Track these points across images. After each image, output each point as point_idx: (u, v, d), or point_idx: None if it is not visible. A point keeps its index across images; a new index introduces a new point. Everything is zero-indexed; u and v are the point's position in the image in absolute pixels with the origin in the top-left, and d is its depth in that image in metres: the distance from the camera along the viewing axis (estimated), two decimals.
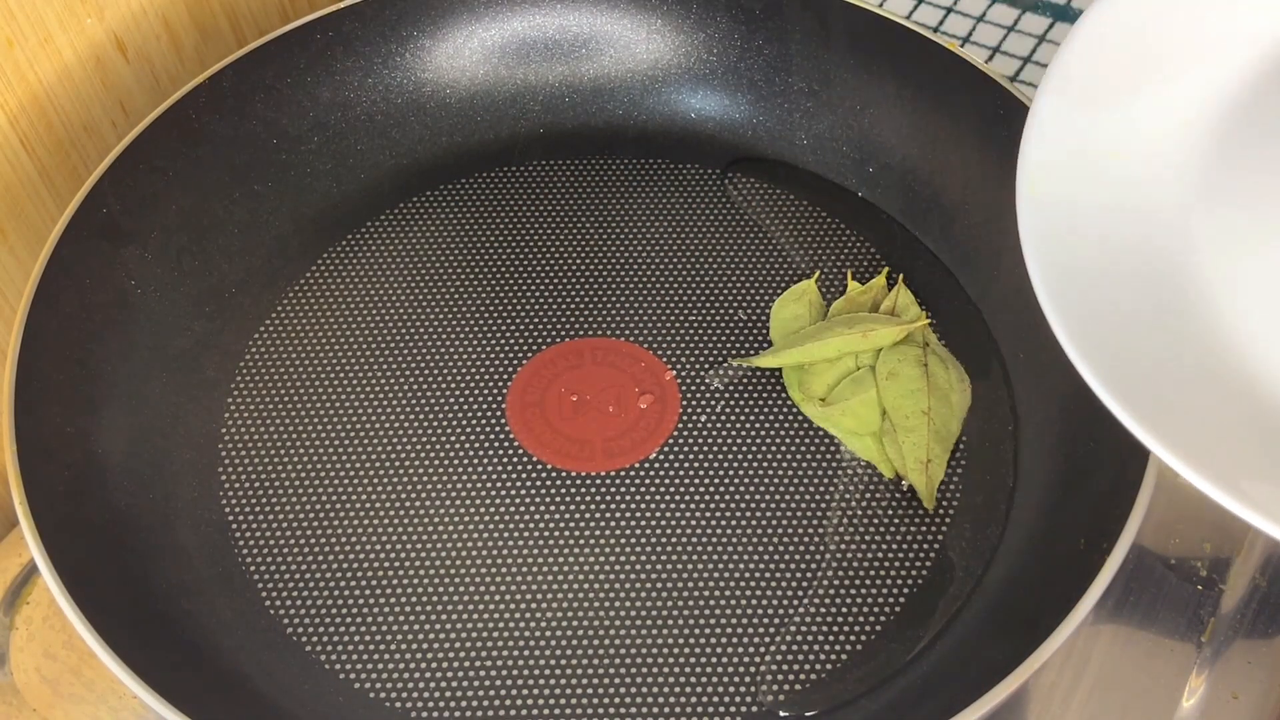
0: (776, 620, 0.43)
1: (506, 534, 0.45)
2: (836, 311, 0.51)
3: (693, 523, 0.46)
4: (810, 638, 0.43)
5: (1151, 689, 0.45)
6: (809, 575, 0.44)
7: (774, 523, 0.46)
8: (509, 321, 0.52)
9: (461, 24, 0.57)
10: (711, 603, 0.44)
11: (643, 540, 0.45)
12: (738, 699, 0.42)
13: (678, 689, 0.42)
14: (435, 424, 0.48)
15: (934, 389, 0.48)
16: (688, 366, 0.50)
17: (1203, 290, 0.39)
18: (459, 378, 0.50)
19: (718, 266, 0.53)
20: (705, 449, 0.48)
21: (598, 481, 0.47)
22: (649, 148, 0.58)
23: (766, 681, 0.42)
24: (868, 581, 0.44)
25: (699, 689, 0.42)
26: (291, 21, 0.54)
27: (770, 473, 0.47)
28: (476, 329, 0.51)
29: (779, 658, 0.43)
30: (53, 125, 0.52)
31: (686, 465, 0.47)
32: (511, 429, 0.48)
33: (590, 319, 0.52)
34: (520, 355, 0.51)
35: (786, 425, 0.48)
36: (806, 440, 0.48)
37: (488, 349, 0.51)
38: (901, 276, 0.52)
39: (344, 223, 0.55)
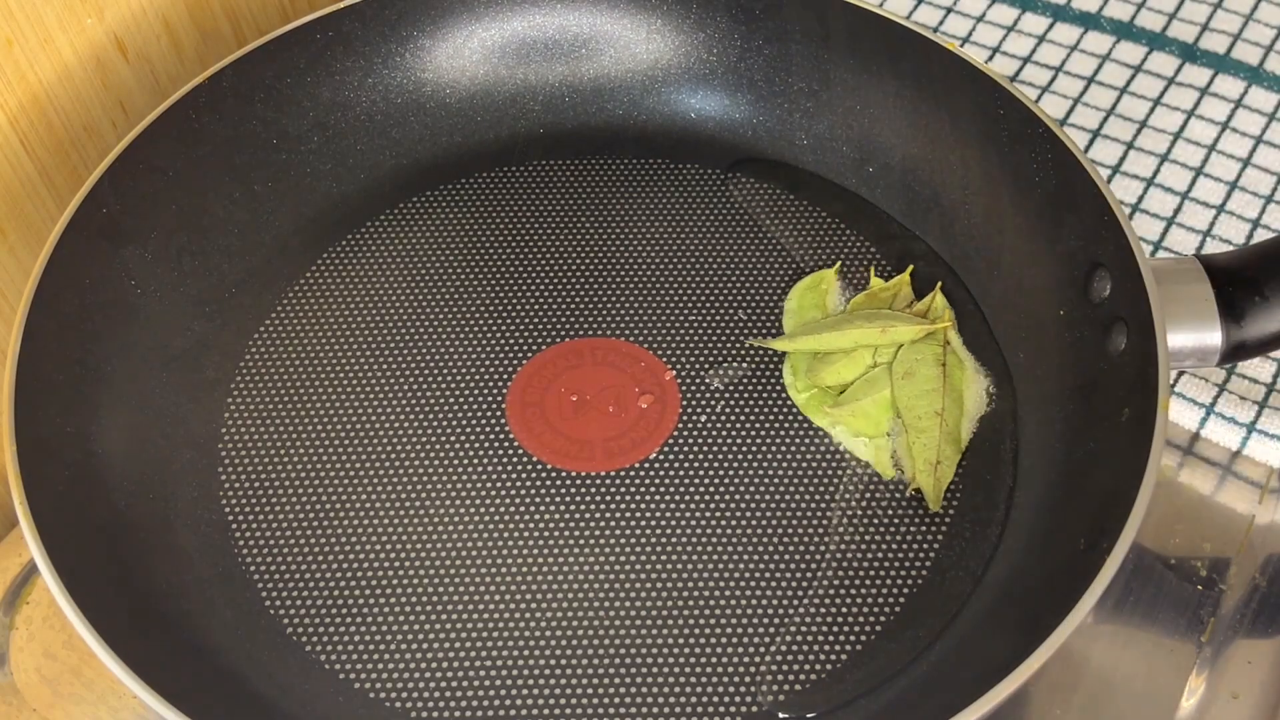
0: (776, 620, 0.43)
1: (506, 534, 0.45)
2: (857, 306, 0.51)
3: (693, 523, 0.46)
4: (810, 638, 0.43)
5: (1151, 689, 0.45)
6: (809, 575, 0.44)
7: (774, 523, 0.46)
8: (509, 321, 0.52)
9: (461, 24, 0.57)
10: (711, 603, 0.44)
11: (643, 540, 0.45)
12: (738, 699, 0.42)
13: (678, 689, 0.42)
14: (435, 424, 0.48)
15: (950, 390, 0.48)
16: (688, 366, 0.50)
17: None
18: (459, 378, 0.50)
19: (718, 266, 0.53)
20: (705, 449, 0.48)
21: (598, 481, 0.47)
22: (649, 148, 0.58)
23: (766, 682, 0.42)
24: (868, 581, 0.44)
25: (699, 689, 0.42)
26: (291, 21, 0.54)
27: (770, 473, 0.47)
28: (476, 329, 0.51)
29: (779, 658, 0.43)
30: (53, 125, 0.52)
31: (686, 465, 0.47)
32: (511, 429, 0.48)
33: (590, 319, 0.52)
34: (520, 355, 0.51)
35: (786, 425, 0.48)
36: (806, 440, 0.48)
37: (488, 349, 0.51)
38: (939, 284, 0.51)
39: (344, 223, 0.55)
